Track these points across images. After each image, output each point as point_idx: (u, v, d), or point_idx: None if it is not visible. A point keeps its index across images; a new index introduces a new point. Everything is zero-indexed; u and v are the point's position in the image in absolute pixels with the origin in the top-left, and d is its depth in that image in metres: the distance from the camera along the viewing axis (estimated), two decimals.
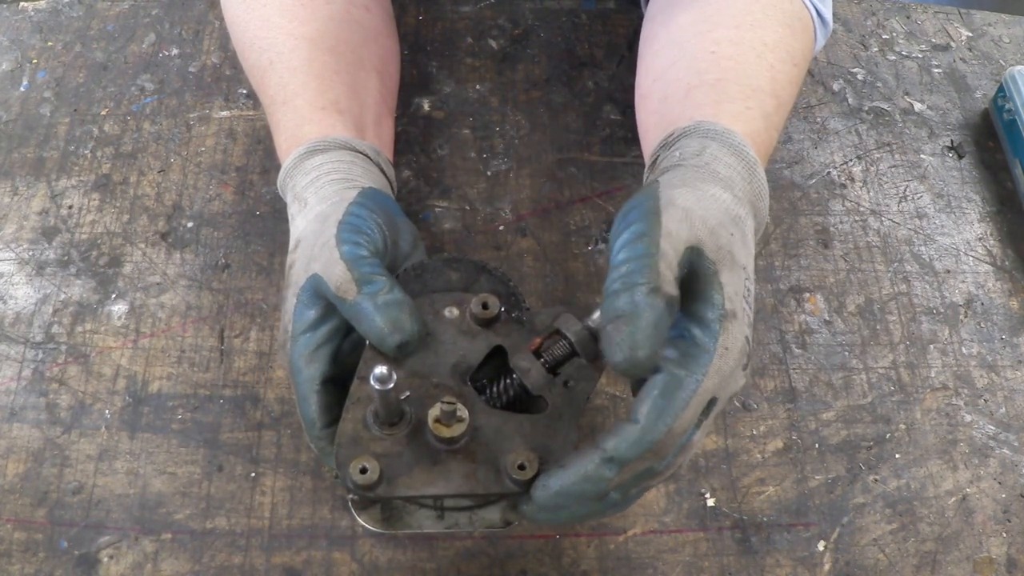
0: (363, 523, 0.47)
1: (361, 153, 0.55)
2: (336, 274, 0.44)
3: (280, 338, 0.49)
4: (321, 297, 0.46)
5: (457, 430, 0.42)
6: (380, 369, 0.39)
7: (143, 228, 0.67)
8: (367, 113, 0.59)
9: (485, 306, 0.46)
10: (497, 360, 0.46)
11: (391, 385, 0.40)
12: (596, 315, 0.45)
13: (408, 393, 0.43)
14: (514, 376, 0.45)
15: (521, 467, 0.42)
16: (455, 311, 0.46)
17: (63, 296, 0.64)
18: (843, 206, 0.70)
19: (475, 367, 0.46)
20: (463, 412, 0.42)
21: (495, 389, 0.46)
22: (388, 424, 0.43)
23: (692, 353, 0.40)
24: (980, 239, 0.69)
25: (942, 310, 0.65)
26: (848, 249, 0.68)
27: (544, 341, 0.45)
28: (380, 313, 0.43)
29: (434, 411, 0.43)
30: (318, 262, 0.46)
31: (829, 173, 0.71)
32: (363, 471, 0.41)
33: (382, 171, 0.56)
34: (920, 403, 0.61)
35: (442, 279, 0.48)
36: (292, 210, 0.53)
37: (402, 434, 0.43)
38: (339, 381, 0.47)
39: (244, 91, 0.74)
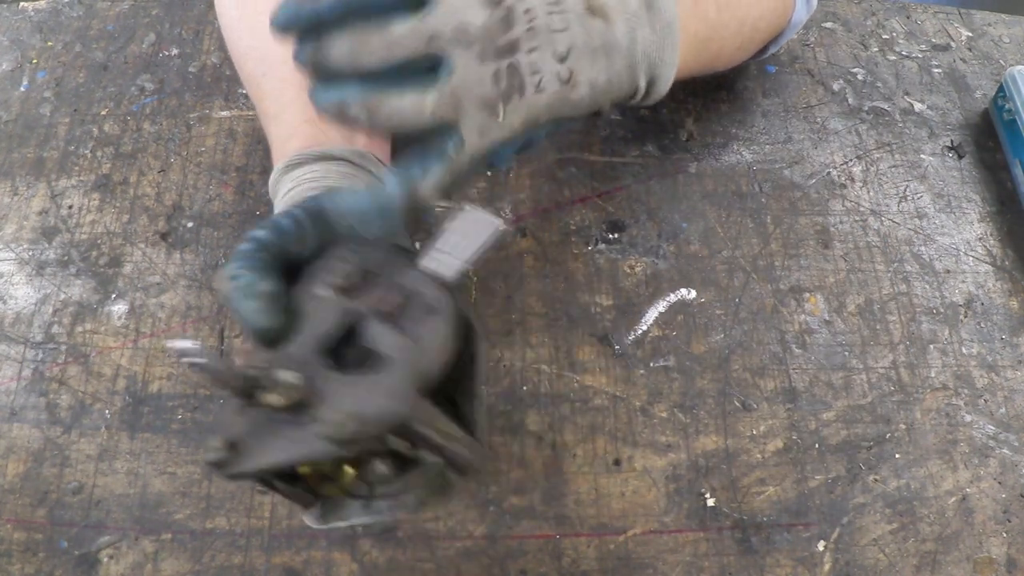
0: (306, 521, 0.47)
1: (341, 159, 0.55)
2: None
3: None
4: None
5: (284, 398, 0.40)
6: (179, 343, 0.37)
7: (143, 228, 0.67)
8: None
9: (344, 276, 0.44)
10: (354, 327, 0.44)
11: (194, 359, 0.38)
12: (428, 254, 0.43)
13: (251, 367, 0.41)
14: (367, 338, 0.43)
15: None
16: (329, 288, 0.44)
17: (63, 296, 0.64)
18: (843, 206, 0.70)
19: (334, 337, 0.43)
20: (292, 378, 0.40)
21: (347, 356, 0.44)
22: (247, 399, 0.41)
23: None
24: (980, 239, 0.69)
25: (942, 310, 0.65)
26: (848, 249, 0.68)
27: (383, 298, 0.43)
28: (241, 302, 0.42)
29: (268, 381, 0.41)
30: None
31: (829, 173, 0.71)
32: (214, 450, 0.40)
33: (370, 172, 0.56)
34: (920, 403, 0.61)
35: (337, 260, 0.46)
36: None
37: (259, 411, 0.41)
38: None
39: (244, 91, 0.74)
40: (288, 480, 0.44)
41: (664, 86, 0.48)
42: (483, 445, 0.42)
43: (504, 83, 0.40)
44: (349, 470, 0.42)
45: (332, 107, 0.39)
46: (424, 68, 0.39)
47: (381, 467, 0.41)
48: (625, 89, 0.45)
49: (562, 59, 0.41)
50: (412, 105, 0.39)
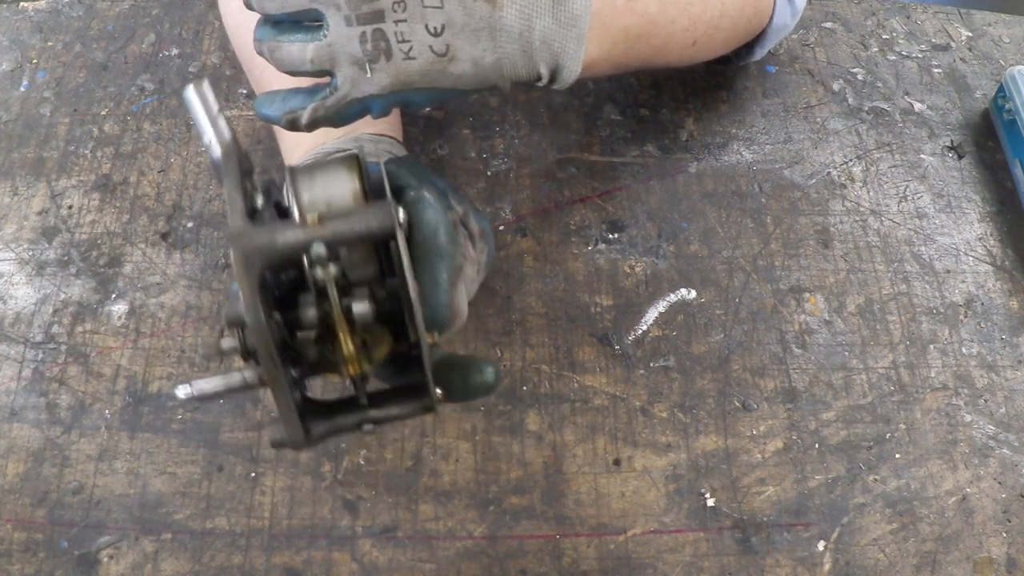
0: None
1: (336, 151, 0.55)
2: None
3: None
4: None
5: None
6: (181, 392, 0.38)
7: (143, 228, 0.67)
8: None
9: None
10: None
11: (209, 390, 0.39)
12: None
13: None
14: None
15: None
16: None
17: (63, 296, 0.64)
18: (843, 206, 0.70)
19: None
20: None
21: None
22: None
23: None
24: (980, 239, 0.69)
25: (942, 310, 0.65)
26: (848, 249, 0.68)
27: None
28: None
29: None
30: None
31: (829, 173, 0.72)
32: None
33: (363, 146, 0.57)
34: (920, 403, 0.61)
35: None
36: None
37: None
38: None
39: (244, 91, 0.74)
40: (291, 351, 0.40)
41: (569, 76, 0.50)
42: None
43: (370, 46, 0.44)
44: (345, 334, 0.39)
45: (255, 44, 0.45)
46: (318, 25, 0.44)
47: (362, 306, 0.39)
48: (522, 73, 0.48)
49: (436, 33, 0.44)
50: (297, 52, 0.44)
